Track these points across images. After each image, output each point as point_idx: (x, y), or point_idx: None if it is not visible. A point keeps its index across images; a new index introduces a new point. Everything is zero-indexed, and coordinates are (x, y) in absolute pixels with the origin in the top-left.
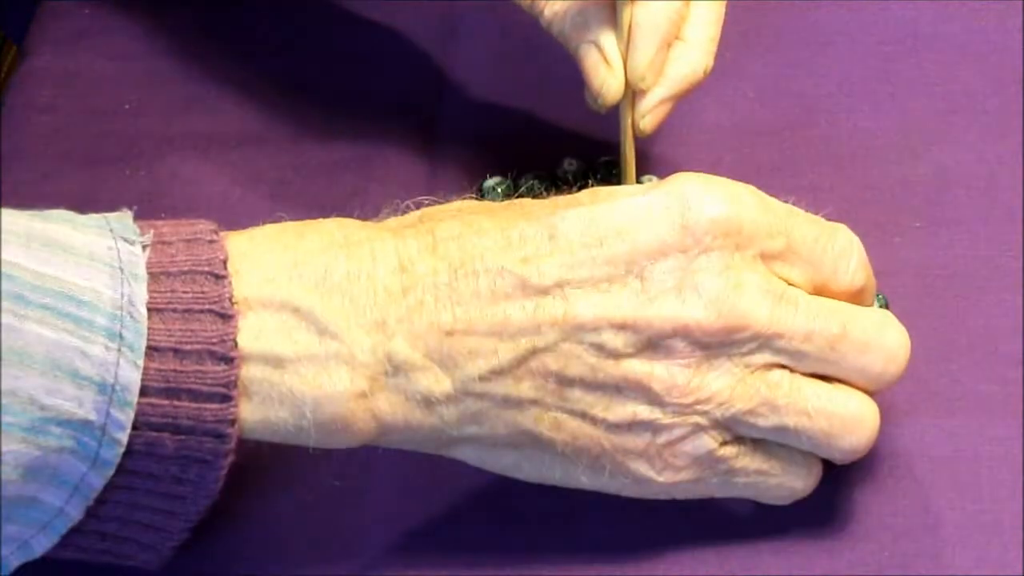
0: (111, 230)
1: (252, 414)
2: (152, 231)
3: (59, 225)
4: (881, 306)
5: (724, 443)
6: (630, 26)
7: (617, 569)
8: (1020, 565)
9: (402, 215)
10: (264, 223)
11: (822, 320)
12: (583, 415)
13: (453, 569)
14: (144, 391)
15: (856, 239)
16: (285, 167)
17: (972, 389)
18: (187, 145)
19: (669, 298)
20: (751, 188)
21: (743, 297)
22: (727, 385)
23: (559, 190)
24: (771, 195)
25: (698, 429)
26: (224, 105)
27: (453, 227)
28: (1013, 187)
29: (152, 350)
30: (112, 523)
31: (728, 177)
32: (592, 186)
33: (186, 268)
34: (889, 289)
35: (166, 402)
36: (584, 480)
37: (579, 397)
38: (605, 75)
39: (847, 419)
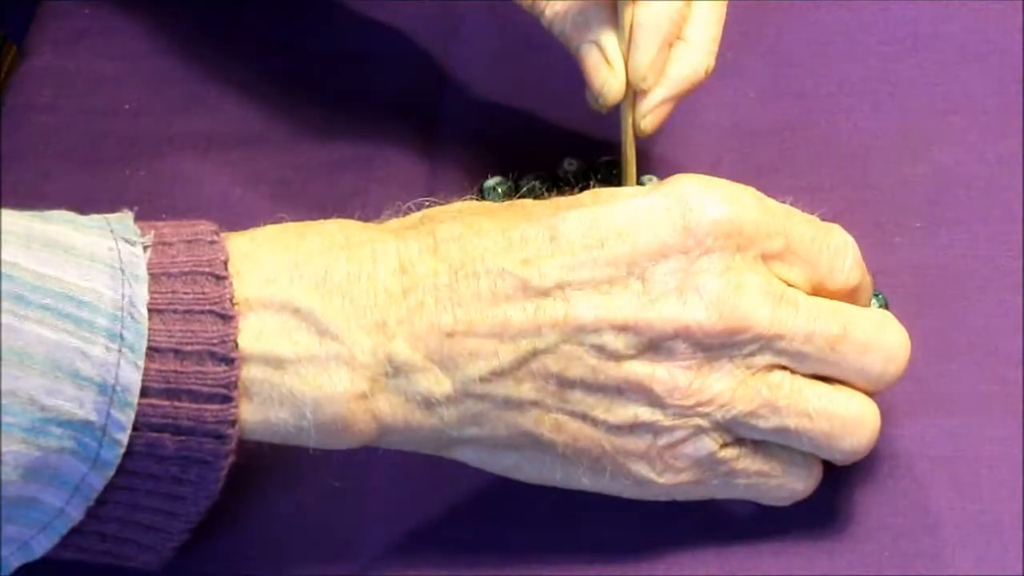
0: (112, 231)
1: (252, 415)
2: (153, 232)
3: (60, 226)
4: (881, 306)
5: (725, 445)
6: (631, 26)
7: (617, 569)
8: (1020, 565)
9: (403, 216)
10: (265, 223)
11: (822, 321)
12: (584, 417)
13: (453, 569)
14: (144, 392)
15: (850, 238)
16: (285, 167)
17: (972, 389)
18: (187, 145)
19: (670, 299)
20: (750, 189)
21: (744, 298)
22: (728, 387)
23: (559, 190)
24: (771, 195)
25: (699, 431)
26: (224, 105)
27: (454, 228)
28: (1013, 187)
29: (153, 351)
30: (112, 524)
31: (728, 177)
32: (593, 186)
33: (187, 269)
34: (889, 289)
35: (166, 403)
36: (585, 481)
37: (580, 399)
38: (606, 75)
39: (848, 420)
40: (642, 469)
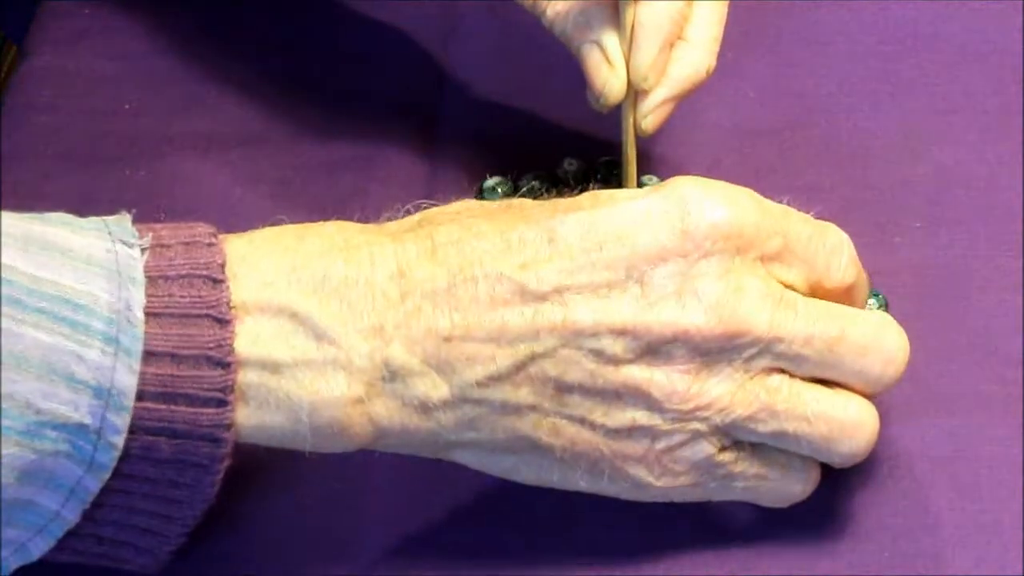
0: (110, 233)
1: (249, 419)
2: (151, 234)
3: (57, 228)
4: (880, 306)
5: (723, 448)
6: (633, 26)
7: (616, 571)
8: (1020, 565)
9: (403, 218)
10: (265, 224)
11: (821, 324)
12: (582, 421)
13: (452, 571)
14: (140, 395)
15: (845, 236)
16: (285, 167)
17: (972, 389)
18: (187, 145)
19: (669, 303)
20: (748, 191)
21: (743, 302)
22: (727, 391)
23: (559, 190)
24: (770, 195)
25: (697, 435)
26: (224, 105)
27: (452, 231)
28: (1013, 187)
29: (149, 355)
30: (109, 527)
31: (728, 177)
32: (593, 187)
33: (184, 272)
34: (889, 289)
35: (163, 406)
36: (583, 484)
37: (578, 403)
38: (607, 75)
39: (846, 423)
40: (640, 472)
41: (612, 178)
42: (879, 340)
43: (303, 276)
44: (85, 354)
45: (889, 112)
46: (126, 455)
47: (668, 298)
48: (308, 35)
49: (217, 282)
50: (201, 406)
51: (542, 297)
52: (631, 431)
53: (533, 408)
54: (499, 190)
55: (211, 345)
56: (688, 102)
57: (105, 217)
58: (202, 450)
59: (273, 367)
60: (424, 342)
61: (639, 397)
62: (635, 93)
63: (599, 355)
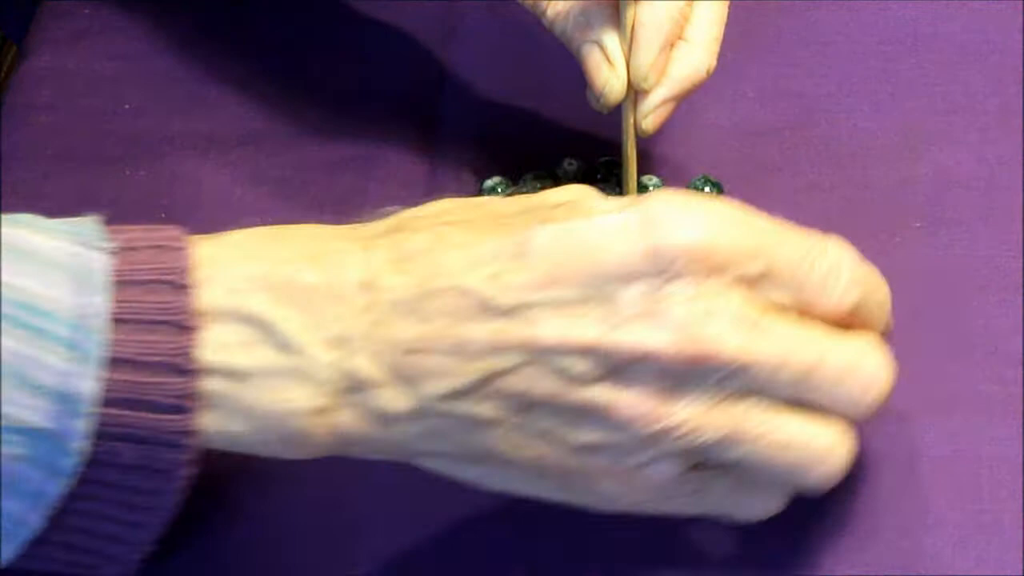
0: (77, 236)
1: (214, 425)
2: (119, 237)
3: (22, 230)
4: None
5: (693, 467)
6: (633, 26)
7: (618, 570)
8: (1020, 565)
9: (379, 220)
10: (264, 222)
11: (797, 349)
12: (547, 437)
13: (452, 571)
14: (103, 401)
15: (848, 256)
16: (285, 166)
17: (972, 389)
18: (187, 145)
19: (636, 324)
20: (733, 207)
21: (712, 325)
22: (694, 415)
23: None
24: (771, 195)
25: (665, 455)
26: (224, 105)
27: (423, 240)
28: (1013, 187)
29: (112, 361)
30: (78, 534)
31: (728, 177)
32: (596, 186)
33: (150, 277)
34: (889, 289)
35: (126, 412)
36: (552, 495)
37: (543, 419)
38: (608, 75)
39: (815, 453)
40: (609, 486)
41: (612, 178)
42: (858, 367)
43: (271, 283)
44: (48, 360)
45: (889, 112)
46: (91, 460)
47: (636, 319)
48: (308, 35)
49: (181, 288)
50: (163, 412)
51: (508, 312)
52: (597, 448)
53: (497, 423)
54: (499, 190)
55: (173, 352)
56: (688, 102)
57: (76, 219)
58: (165, 456)
59: (237, 375)
60: (389, 353)
61: (604, 417)
62: (635, 93)
63: (563, 373)
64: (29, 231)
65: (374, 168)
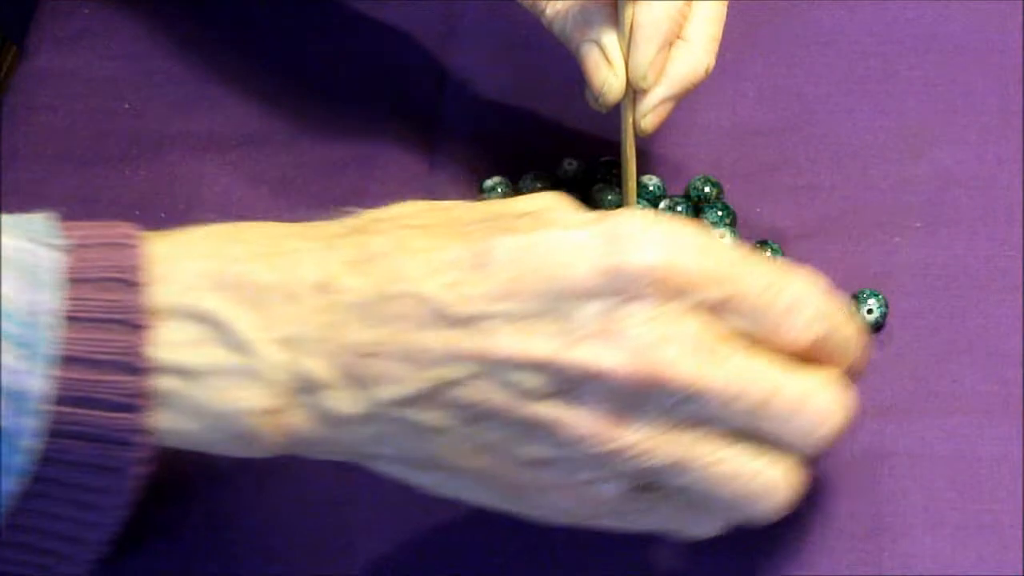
0: (29, 232)
1: (164, 424)
2: (72, 234)
3: None
4: (881, 306)
5: (641, 487)
6: (632, 25)
7: (618, 569)
8: (1020, 565)
9: (344, 219)
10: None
11: (751, 380)
12: (495, 449)
13: (451, 570)
14: (54, 399)
15: (814, 290)
16: (285, 166)
17: (972, 389)
18: (187, 145)
19: (591, 343)
20: (699, 232)
21: (667, 350)
22: (642, 439)
23: (559, 191)
24: (771, 195)
25: (613, 475)
26: (224, 105)
27: (386, 243)
28: (1013, 187)
29: (63, 359)
30: (30, 533)
31: (728, 177)
32: (596, 186)
33: (102, 275)
34: (889, 289)
35: (77, 411)
36: (502, 505)
37: (492, 431)
38: (606, 74)
39: (762, 486)
40: (558, 500)
41: (611, 178)
42: (811, 402)
43: (225, 282)
44: None
45: (889, 112)
46: (43, 459)
47: (591, 337)
48: (308, 35)
49: (133, 285)
50: (115, 411)
51: (464, 322)
52: (546, 463)
53: (447, 431)
54: (499, 190)
55: (124, 350)
56: (688, 102)
57: (31, 215)
58: (117, 454)
59: (188, 374)
60: (342, 356)
61: (552, 433)
62: (634, 92)
63: (515, 387)
64: None
65: (374, 168)
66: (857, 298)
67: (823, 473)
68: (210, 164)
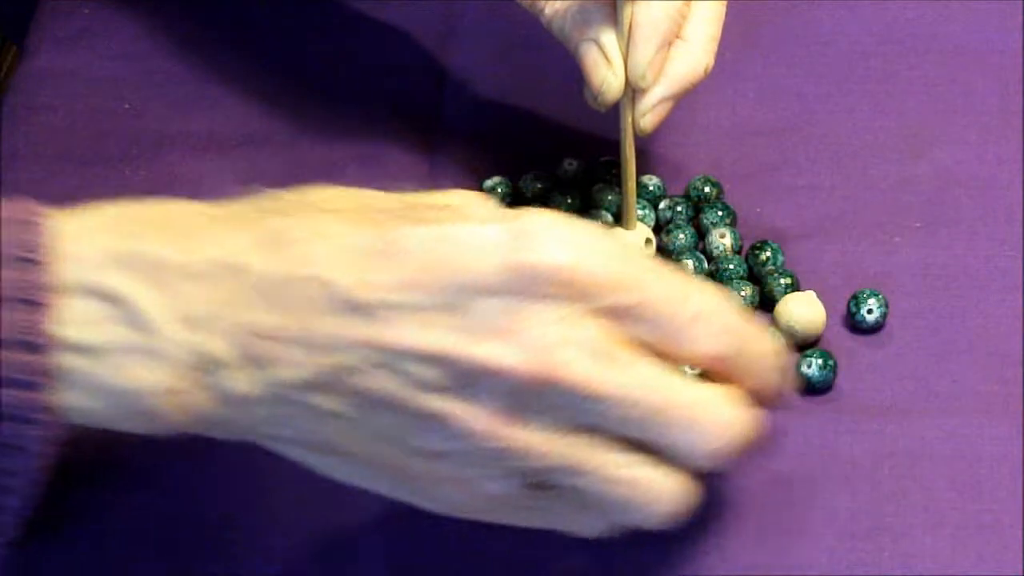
0: None
1: (71, 402)
2: None
3: None
4: (881, 306)
5: (534, 485)
6: (631, 24)
7: (617, 568)
8: (1020, 565)
9: (258, 198)
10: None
11: (648, 389)
12: (388, 437)
13: (451, 571)
14: None
15: (723, 306)
16: (285, 166)
17: (972, 389)
18: (187, 145)
19: (489, 339)
20: (608, 237)
21: (564, 352)
22: (535, 440)
23: (559, 191)
24: (771, 195)
25: (504, 472)
26: (224, 105)
27: (297, 225)
28: (1013, 187)
29: None
30: None
31: (728, 177)
32: (596, 186)
33: (4, 253)
34: (889, 289)
35: None
36: (395, 494)
37: (385, 420)
38: (605, 73)
39: (650, 495)
40: (450, 492)
41: (612, 178)
42: (707, 418)
43: (129, 260)
44: None
45: (889, 112)
46: None
47: (490, 334)
48: (308, 35)
49: (33, 263)
50: (17, 388)
51: (364, 310)
52: (437, 455)
53: (341, 417)
54: (499, 190)
55: (26, 328)
56: (687, 102)
57: None
58: (21, 432)
59: (91, 352)
60: (243, 336)
61: (443, 427)
62: (633, 92)
63: (410, 378)
64: None
65: (374, 168)
66: (857, 298)
67: (823, 473)
68: (210, 164)
